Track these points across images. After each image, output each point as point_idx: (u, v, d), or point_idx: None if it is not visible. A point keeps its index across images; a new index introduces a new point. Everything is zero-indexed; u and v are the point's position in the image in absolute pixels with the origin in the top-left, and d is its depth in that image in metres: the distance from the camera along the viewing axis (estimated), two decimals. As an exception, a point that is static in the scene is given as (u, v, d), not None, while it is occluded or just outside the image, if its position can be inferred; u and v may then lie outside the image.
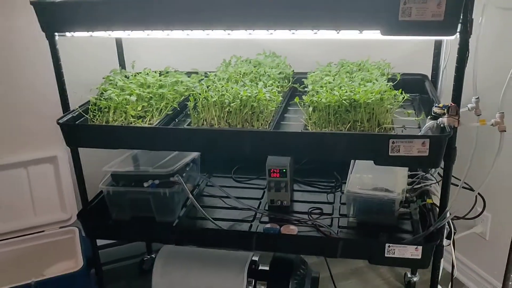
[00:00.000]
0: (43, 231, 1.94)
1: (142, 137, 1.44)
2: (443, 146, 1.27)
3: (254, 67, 1.73)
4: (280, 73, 1.72)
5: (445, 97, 1.50)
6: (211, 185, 1.85)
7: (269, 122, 1.46)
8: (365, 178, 1.64)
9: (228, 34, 1.35)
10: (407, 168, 1.68)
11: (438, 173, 1.66)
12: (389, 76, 1.62)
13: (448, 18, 1.13)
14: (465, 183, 1.64)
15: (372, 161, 1.31)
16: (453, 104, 1.26)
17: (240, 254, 1.77)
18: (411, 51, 1.97)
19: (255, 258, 1.76)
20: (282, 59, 1.81)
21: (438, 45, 1.65)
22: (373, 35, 1.23)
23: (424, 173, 1.69)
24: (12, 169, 1.93)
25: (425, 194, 1.62)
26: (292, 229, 1.57)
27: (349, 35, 1.28)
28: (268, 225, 1.60)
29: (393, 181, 1.61)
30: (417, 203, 1.58)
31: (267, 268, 1.73)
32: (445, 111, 1.28)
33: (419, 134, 1.31)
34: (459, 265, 2.12)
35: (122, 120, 1.53)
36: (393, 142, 1.27)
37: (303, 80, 1.65)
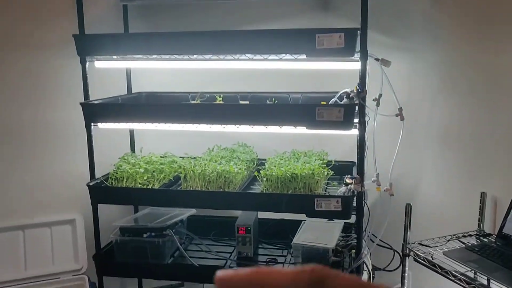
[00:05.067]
0: (59, 278, 2.44)
1: (145, 195, 2.04)
2: (351, 204, 1.87)
3: (230, 152, 2.38)
4: (249, 157, 2.36)
5: (368, 176, 2.14)
6: (194, 244, 2.40)
7: (237, 188, 2.07)
8: (309, 235, 2.21)
9: (224, 127, 2.03)
10: (341, 229, 2.26)
11: (369, 237, 2.24)
12: (326, 162, 2.26)
13: (346, 119, 1.80)
14: (382, 241, 2.22)
15: (318, 221, 1.91)
16: (357, 176, 1.90)
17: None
18: (351, 145, 2.65)
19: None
20: (251, 148, 2.47)
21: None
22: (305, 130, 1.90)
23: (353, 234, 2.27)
24: (39, 228, 2.49)
25: (354, 248, 2.18)
26: (252, 270, 2.10)
27: (285, 130, 1.95)
28: (233, 268, 2.13)
29: (330, 238, 2.18)
30: (344, 254, 2.14)
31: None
32: (353, 180, 1.91)
33: (335, 195, 1.92)
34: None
35: (132, 185, 2.14)
36: (317, 200, 1.88)
37: (265, 163, 2.29)
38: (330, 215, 1.87)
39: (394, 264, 2.29)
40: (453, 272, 1.60)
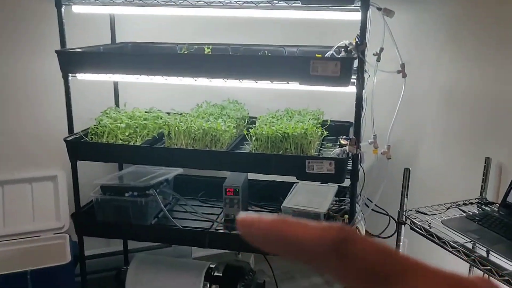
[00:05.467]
0: (39, 236, 2.34)
1: (126, 152, 1.91)
2: (345, 166, 1.74)
3: (220, 109, 2.23)
4: (240, 115, 2.22)
5: (365, 138, 1.99)
6: (180, 204, 2.29)
7: (224, 147, 1.94)
8: (300, 199, 2.09)
9: (210, 81, 1.86)
10: (334, 193, 2.13)
11: (364, 202, 2.12)
12: (321, 121, 2.11)
13: (343, 75, 1.64)
14: (378, 206, 2.11)
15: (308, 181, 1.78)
16: (353, 137, 1.75)
17: (200, 262, 2.17)
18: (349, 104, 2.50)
19: (212, 266, 2.17)
20: (242, 105, 2.32)
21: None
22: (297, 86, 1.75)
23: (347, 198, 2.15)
24: (19, 183, 2.38)
25: (347, 213, 2.07)
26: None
27: (279, 85, 1.79)
28: (220, 231, 2.03)
29: (322, 202, 2.06)
30: (337, 219, 2.02)
31: (220, 274, 2.14)
32: (348, 142, 1.77)
33: (328, 157, 1.79)
34: None
35: (113, 141, 2.00)
36: (309, 162, 1.74)
37: (256, 121, 2.15)
38: (322, 178, 1.75)
39: (389, 231, 2.18)
40: (451, 243, 1.48)
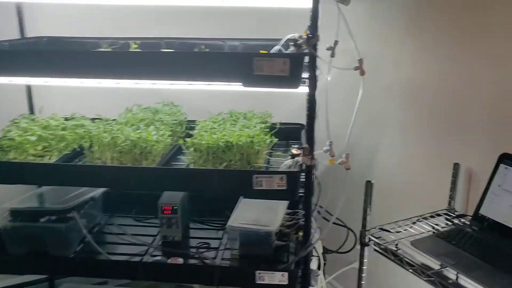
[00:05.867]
0: None
1: (35, 172, 1.57)
2: (298, 180, 1.49)
3: (152, 114, 1.92)
4: (175, 120, 1.92)
5: (319, 143, 1.75)
6: (112, 224, 1.97)
7: (157, 162, 1.64)
8: (247, 215, 1.82)
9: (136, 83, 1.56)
10: (286, 205, 1.88)
11: (318, 211, 1.88)
12: (268, 125, 1.85)
13: (292, 74, 1.38)
14: (338, 219, 1.87)
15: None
16: (306, 146, 1.50)
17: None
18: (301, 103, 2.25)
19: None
20: (179, 108, 2.02)
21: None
22: (239, 87, 1.47)
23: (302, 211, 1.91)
24: None
25: (301, 229, 1.83)
26: (178, 261, 1.71)
27: (219, 86, 1.52)
28: (156, 258, 1.74)
29: (273, 217, 1.81)
30: (291, 237, 1.77)
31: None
32: (301, 152, 1.52)
33: (278, 171, 1.53)
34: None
35: (22, 158, 1.66)
36: (256, 178, 1.48)
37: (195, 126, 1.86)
38: (273, 195, 1.49)
39: (347, 245, 1.96)
40: (429, 273, 1.26)
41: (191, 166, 1.61)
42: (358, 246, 1.76)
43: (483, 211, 1.48)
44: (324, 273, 1.83)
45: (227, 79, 1.46)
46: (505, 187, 1.44)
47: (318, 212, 1.76)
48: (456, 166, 1.63)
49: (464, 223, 1.55)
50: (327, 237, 1.97)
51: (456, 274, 1.28)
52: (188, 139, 1.65)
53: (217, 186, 1.50)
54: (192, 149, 1.63)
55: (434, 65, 1.79)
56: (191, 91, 1.77)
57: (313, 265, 1.79)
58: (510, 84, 1.52)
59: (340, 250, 1.95)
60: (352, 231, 1.97)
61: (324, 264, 1.83)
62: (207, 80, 1.50)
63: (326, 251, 1.92)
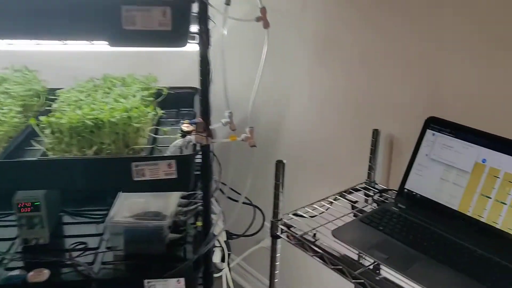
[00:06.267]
0: None
1: None
2: (191, 166, 1.17)
3: (-3, 83, 1.46)
4: (29, 89, 1.47)
5: (217, 112, 1.42)
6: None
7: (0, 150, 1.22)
8: (135, 202, 1.48)
9: None
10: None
11: (221, 190, 1.58)
12: (153, 91, 1.49)
13: (176, 28, 1.03)
14: (246, 198, 1.58)
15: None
16: (200, 120, 1.18)
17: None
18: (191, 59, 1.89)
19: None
20: (34, 75, 1.57)
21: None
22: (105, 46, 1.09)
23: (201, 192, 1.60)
24: None
25: (200, 215, 1.53)
26: (44, 274, 1.33)
27: (80, 46, 1.12)
28: (14, 272, 1.34)
29: (165, 204, 1.48)
30: (187, 227, 1.47)
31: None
32: (193, 127, 1.19)
33: (164, 155, 1.19)
34: (254, 281, 2.09)
35: None
36: (136, 166, 1.13)
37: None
38: (160, 187, 1.16)
39: (255, 227, 1.71)
40: (356, 274, 1.03)
41: (50, 154, 1.21)
42: (267, 226, 1.51)
43: (409, 186, 1.28)
44: (229, 265, 1.56)
45: (87, 36, 1.07)
46: (434, 157, 1.24)
47: (221, 190, 1.47)
48: (375, 133, 1.41)
49: (387, 199, 1.35)
50: (229, 219, 1.69)
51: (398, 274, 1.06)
52: (43, 117, 1.24)
53: (83, 180, 1.13)
54: (49, 130, 1.23)
55: (344, 11, 1.53)
56: (56, 53, 1.34)
57: (216, 257, 1.51)
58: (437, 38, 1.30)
59: (246, 233, 1.69)
60: (259, 209, 1.71)
61: (229, 255, 1.56)
62: (59, 39, 1.09)
63: (230, 236, 1.64)
